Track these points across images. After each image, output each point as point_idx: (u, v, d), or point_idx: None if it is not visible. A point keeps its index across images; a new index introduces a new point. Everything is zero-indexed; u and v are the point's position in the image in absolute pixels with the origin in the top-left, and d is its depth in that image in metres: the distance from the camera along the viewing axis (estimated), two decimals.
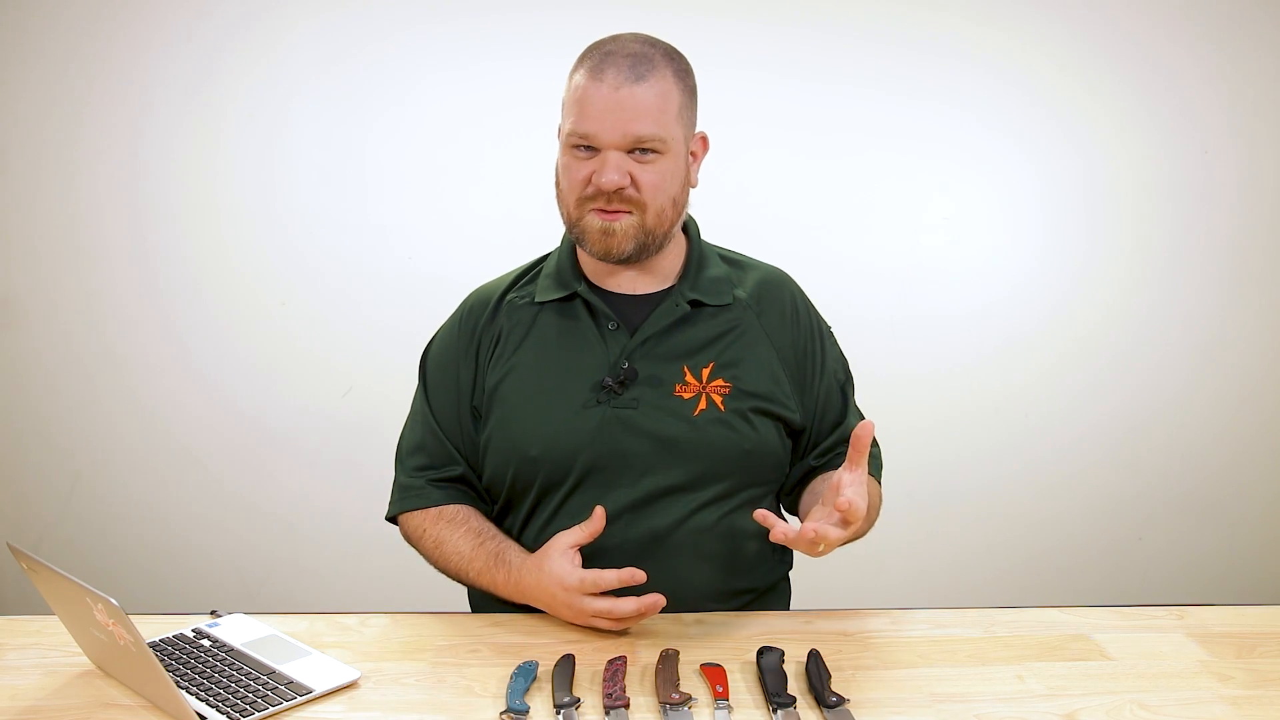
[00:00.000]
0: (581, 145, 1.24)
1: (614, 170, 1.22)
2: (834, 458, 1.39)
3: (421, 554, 1.39)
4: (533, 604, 1.26)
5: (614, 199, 1.24)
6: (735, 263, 1.42)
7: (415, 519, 1.38)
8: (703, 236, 1.44)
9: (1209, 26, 2.54)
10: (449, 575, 1.37)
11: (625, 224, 1.26)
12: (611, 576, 1.19)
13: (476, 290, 1.44)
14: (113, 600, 0.96)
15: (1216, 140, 2.58)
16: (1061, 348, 2.64)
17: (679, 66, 1.28)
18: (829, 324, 1.45)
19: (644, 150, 1.23)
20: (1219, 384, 2.66)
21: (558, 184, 1.31)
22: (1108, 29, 2.54)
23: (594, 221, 1.26)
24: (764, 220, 2.53)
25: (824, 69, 2.53)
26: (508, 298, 1.38)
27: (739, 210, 2.49)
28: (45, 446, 2.63)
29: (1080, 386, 2.65)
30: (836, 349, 1.45)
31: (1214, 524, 2.71)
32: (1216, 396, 2.66)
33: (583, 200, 1.26)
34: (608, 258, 1.29)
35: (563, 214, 1.31)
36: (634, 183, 1.24)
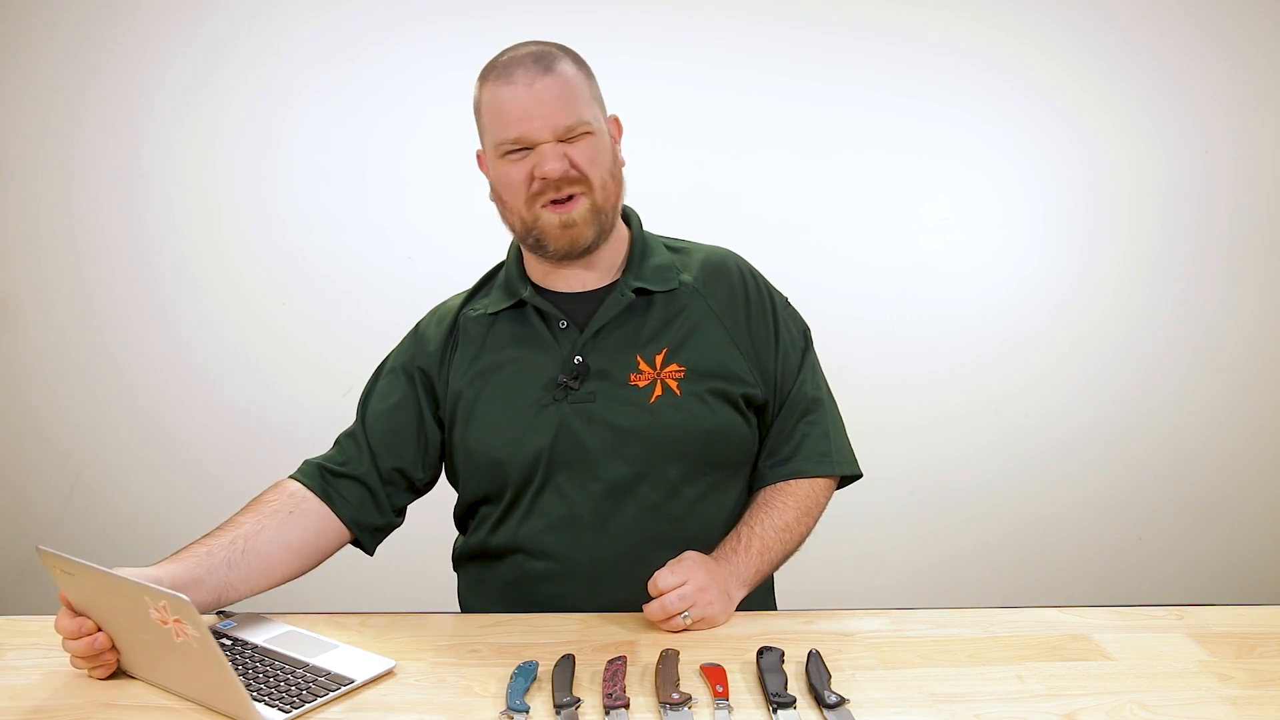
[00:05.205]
0: (514, 150, 1.27)
1: (553, 159, 1.25)
2: (782, 455, 1.40)
3: None
4: None
5: (562, 185, 1.27)
6: (679, 249, 1.44)
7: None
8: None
9: (1209, 26, 2.54)
10: None
11: (580, 210, 1.28)
12: None
13: (432, 310, 1.47)
14: (183, 596, 0.96)
15: (1216, 140, 2.58)
16: (1061, 348, 2.64)
17: (571, 56, 1.32)
18: (784, 295, 1.45)
19: (572, 135, 1.26)
20: (1218, 384, 2.66)
21: (499, 200, 1.33)
22: (1108, 29, 2.54)
23: (550, 218, 1.29)
24: (764, 220, 2.53)
25: (823, 69, 2.53)
26: (463, 312, 1.42)
27: (738, 210, 2.50)
28: (45, 446, 2.63)
29: (1080, 386, 2.65)
30: (794, 318, 1.45)
31: (1214, 524, 2.71)
32: (1216, 396, 2.66)
33: (531, 199, 1.28)
34: (572, 250, 1.31)
35: (514, 225, 1.33)
36: (572, 164, 1.27)
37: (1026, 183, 2.60)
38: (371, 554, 1.42)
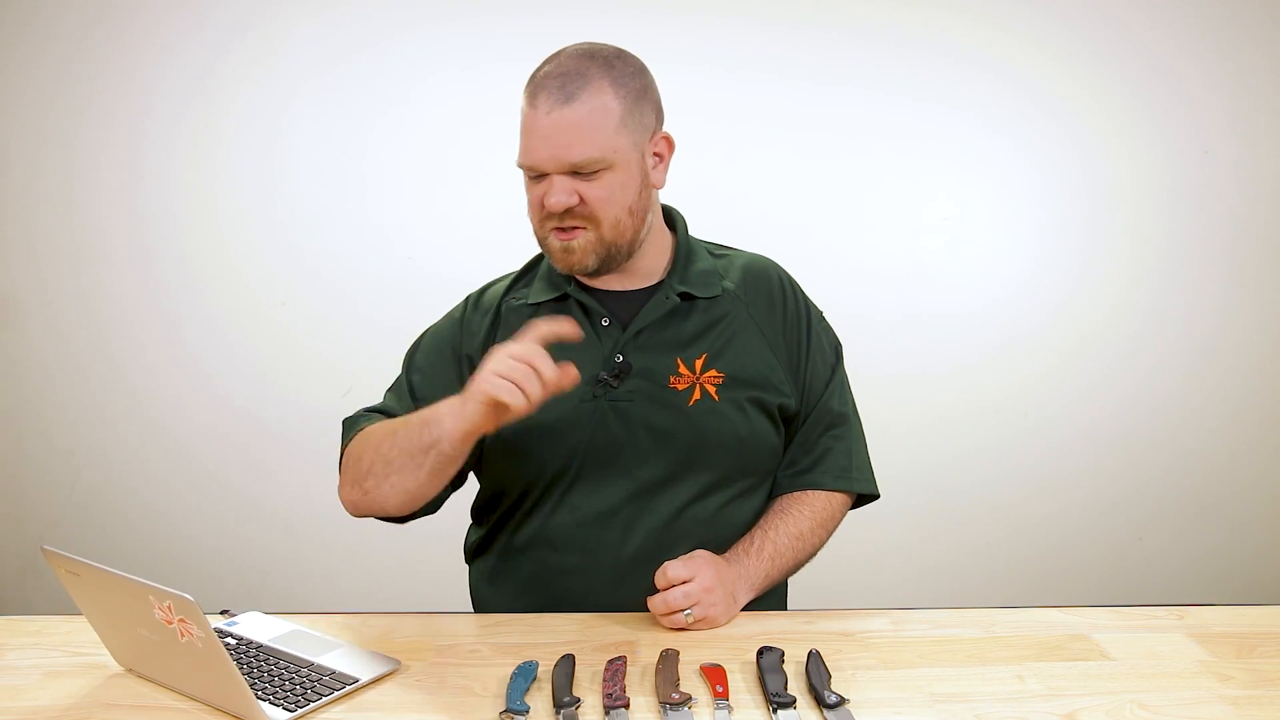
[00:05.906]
0: (530, 172, 1.27)
1: (559, 193, 1.24)
2: (802, 466, 1.40)
3: (347, 470, 1.32)
4: (463, 406, 1.18)
5: (566, 217, 1.26)
6: (722, 255, 1.45)
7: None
8: (694, 233, 1.46)
9: (1209, 26, 2.54)
10: (368, 468, 1.28)
11: (582, 240, 1.27)
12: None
13: (477, 291, 1.46)
14: (187, 596, 0.96)
15: (1216, 140, 2.58)
16: (1062, 348, 2.64)
17: (618, 74, 1.27)
18: (819, 308, 1.46)
19: (586, 170, 1.24)
20: (1219, 384, 2.66)
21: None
22: (1108, 29, 2.54)
23: (554, 241, 1.29)
24: (764, 221, 2.53)
25: (824, 69, 2.53)
26: (505, 299, 1.41)
27: (739, 210, 2.49)
28: (45, 446, 2.63)
29: (1080, 387, 2.65)
30: (826, 332, 1.45)
31: (1214, 524, 2.71)
32: (1216, 396, 2.66)
33: (543, 221, 1.29)
34: (573, 273, 1.33)
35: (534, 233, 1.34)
36: (582, 200, 1.25)
37: (1027, 183, 2.60)
38: (404, 523, 1.38)
